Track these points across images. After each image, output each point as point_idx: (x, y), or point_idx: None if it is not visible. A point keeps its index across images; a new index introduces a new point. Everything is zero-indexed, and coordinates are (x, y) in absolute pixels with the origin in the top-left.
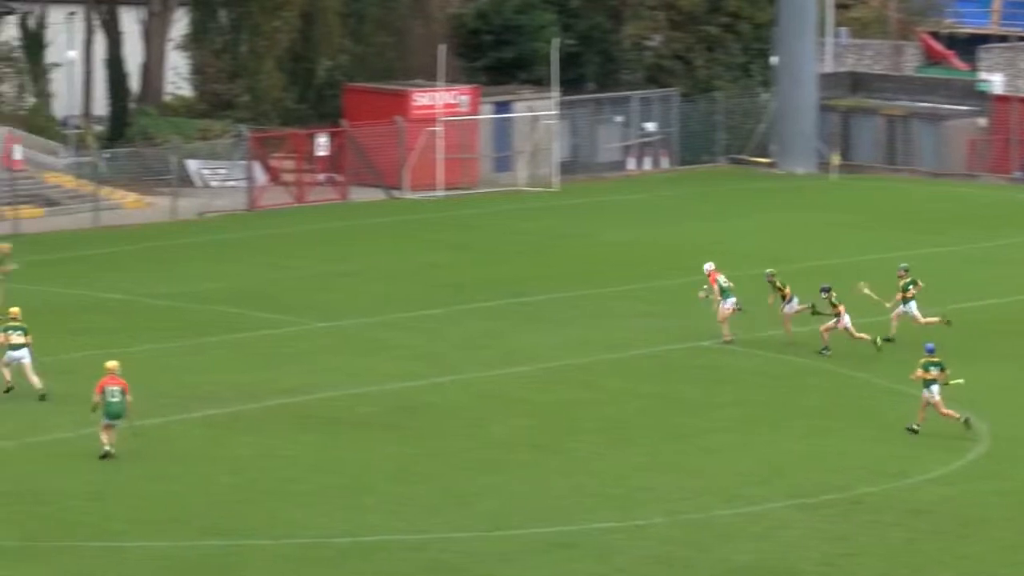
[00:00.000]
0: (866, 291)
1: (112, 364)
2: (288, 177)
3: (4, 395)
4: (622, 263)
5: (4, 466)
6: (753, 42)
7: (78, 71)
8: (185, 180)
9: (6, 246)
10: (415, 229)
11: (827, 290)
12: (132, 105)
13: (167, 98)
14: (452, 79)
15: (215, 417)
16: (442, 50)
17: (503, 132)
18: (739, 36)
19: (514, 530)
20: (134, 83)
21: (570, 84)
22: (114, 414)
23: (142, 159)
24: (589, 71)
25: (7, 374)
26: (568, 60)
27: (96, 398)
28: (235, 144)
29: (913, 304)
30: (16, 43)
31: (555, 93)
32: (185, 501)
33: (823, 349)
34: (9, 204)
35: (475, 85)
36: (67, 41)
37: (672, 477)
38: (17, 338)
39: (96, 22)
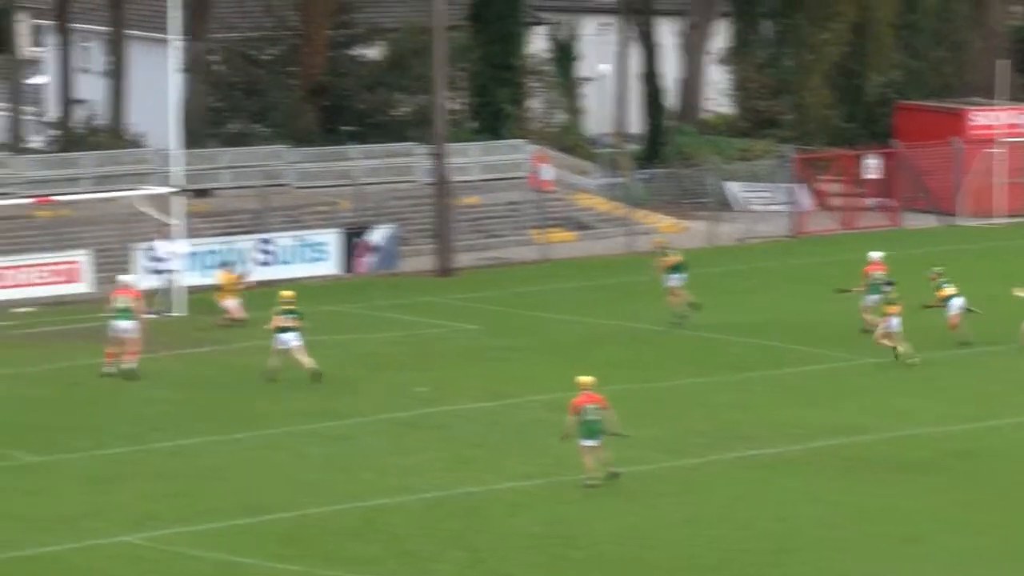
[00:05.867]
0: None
1: (587, 380)
2: (835, 201)
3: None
4: None
5: (533, 506)
6: None
7: (611, 86)
8: (725, 203)
9: (664, 240)
10: (972, 259)
11: (891, 284)
12: (668, 123)
13: (706, 115)
14: (1014, 96)
15: (755, 458)
16: (1003, 65)
17: None
18: None
19: None
20: (670, 99)
21: None
22: (592, 432)
23: (678, 180)
24: None
25: (276, 361)
26: None
27: (570, 418)
28: (778, 165)
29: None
30: (545, 56)
31: None
32: (724, 547)
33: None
34: (538, 227)
35: None
36: (599, 54)
37: None
38: (287, 321)
39: (631, 34)
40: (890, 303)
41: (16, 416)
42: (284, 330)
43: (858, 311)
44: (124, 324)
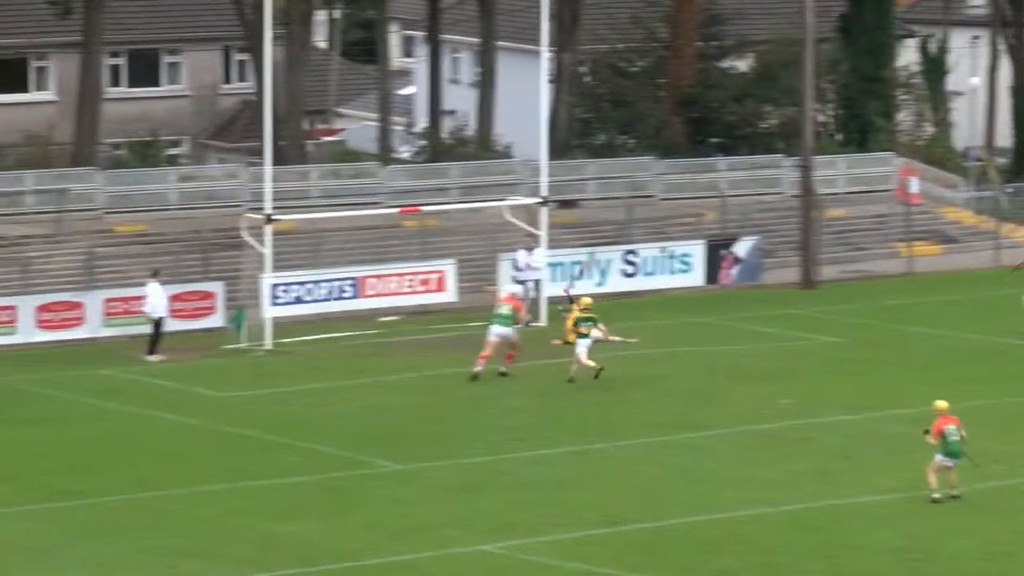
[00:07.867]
0: None
1: (943, 404)
2: None
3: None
4: None
5: (895, 520)
6: None
7: (981, 99)
8: None
9: None
10: None
11: None
12: None
13: None
14: None
15: None
16: None
17: None
18: None
19: None
20: None
21: None
22: (954, 453)
23: None
24: None
25: (587, 361)
26: None
27: (932, 440)
28: None
29: None
30: (915, 69)
31: None
32: None
33: None
34: (903, 240)
35: None
36: (970, 67)
37: None
38: (585, 328)
39: (1001, 47)
40: None
41: (379, 424)
42: (583, 336)
43: None
44: (502, 330)
